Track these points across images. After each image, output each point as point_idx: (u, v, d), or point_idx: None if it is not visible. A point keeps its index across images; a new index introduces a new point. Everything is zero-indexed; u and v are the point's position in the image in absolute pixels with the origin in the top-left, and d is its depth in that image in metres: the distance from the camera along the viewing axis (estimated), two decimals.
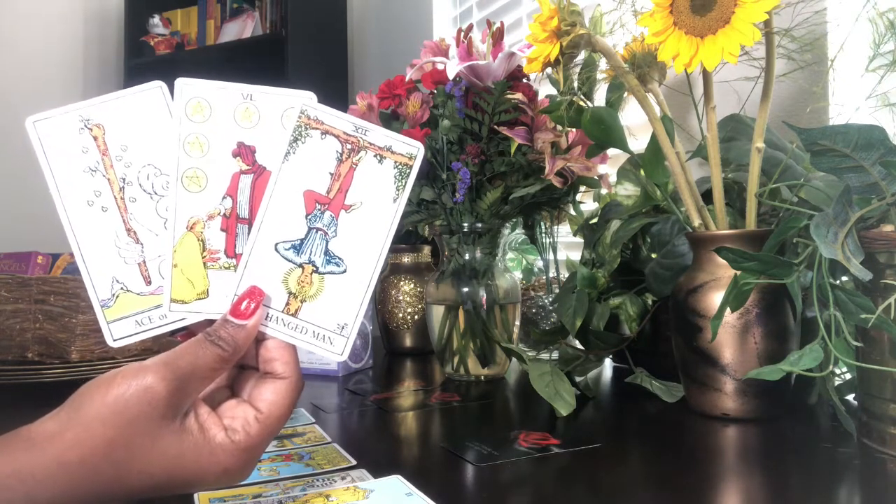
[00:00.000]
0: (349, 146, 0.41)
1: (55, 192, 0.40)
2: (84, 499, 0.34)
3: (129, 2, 2.47)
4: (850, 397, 0.60)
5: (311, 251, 0.41)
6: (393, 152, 0.41)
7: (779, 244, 0.57)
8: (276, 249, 0.40)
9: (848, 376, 0.61)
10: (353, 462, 0.50)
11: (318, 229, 0.41)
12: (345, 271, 0.41)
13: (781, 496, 0.44)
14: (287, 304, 0.40)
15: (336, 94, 2.24)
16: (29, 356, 0.77)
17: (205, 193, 0.41)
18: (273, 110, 0.41)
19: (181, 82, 0.41)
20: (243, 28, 2.37)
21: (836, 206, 0.50)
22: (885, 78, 0.63)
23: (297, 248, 0.41)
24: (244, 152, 0.41)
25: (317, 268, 0.41)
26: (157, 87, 0.41)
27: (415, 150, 0.41)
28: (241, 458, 0.36)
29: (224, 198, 0.41)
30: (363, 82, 2.28)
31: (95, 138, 0.40)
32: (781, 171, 0.63)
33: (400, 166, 0.41)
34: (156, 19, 2.51)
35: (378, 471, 0.47)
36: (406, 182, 0.41)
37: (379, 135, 0.41)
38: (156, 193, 0.41)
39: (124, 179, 0.41)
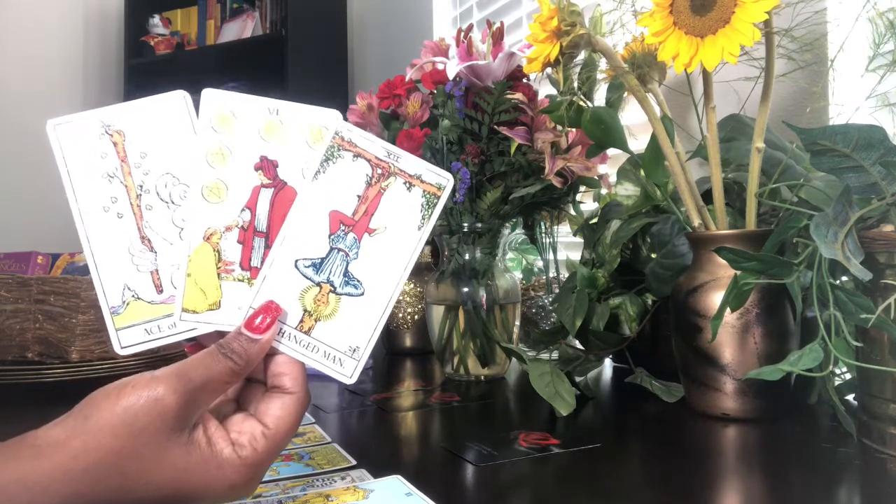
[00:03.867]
0: (379, 171, 0.41)
1: (71, 197, 0.40)
2: None
3: (129, 2, 2.47)
4: (850, 397, 0.60)
5: (330, 271, 0.40)
6: (422, 181, 0.41)
7: (779, 244, 0.57)
8: (296, 266, 0.40)
9: (848, 376, 0.61)
10: (353, 462, 0.50)
11: (339, 250, 0.41)
12: (362, 294, 0.40)
13: (781, 496, 0.44)
14: (301, 321, 0.40)
15: (336, 94, 2.24)
16: (29, 356, 0.77)
17: (224, 205, 0.41)
18: (298, 126, 0.41)
19: (208, 93, 0.41)
20: (243, 28, 2.37)
21: (836, 206, 0.50)
22: (885, 78, 0.63)
23: (317, 266, 0.40)
24: (266, 166, 0.41)
25: (334, 288, 0.40)
26: (179, 95, 0.41)
27: (444, 180, 0.41)
28: (248, 473, 0.36)
29: (243, 210, 0.41)
30: (363, 82, 2.28)
31: (115, 144, 0.40)
32: (781, 171, 0.63)
33: (428, 195, 0.41)
34: (156, 19, 2.51)
35: (378, 471, 0.47)
36: (433, 212, 0.41)
37: (410, 162, 0.41)
38: (172, 202, 0.41)
39: (142, 187, 0.41)
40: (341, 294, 0.40)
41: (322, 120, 0.41)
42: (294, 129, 0.41)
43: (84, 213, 0.40)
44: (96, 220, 0.40)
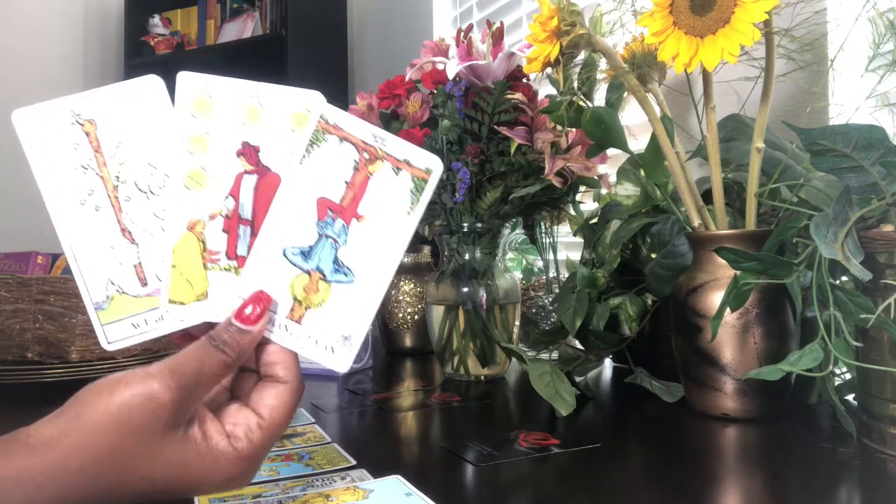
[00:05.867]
0: (366, 155, 0.40)
1: (44, 190, 0.38)
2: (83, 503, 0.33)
3: (129, 2, 2.47)
4: (850, 397, 0.60)
5: (319, 258, 0.39)
6: (410, 165, 0.40)
7: (779, 244, 0.57)
8: (285, 254, 0.39)
9: (848, 376, 0.61)
10: (353, 462, 0.50)
11: (328, 237, 0.40)
12: (352, 281, 0.40)
13: (781, 496, 0.44)
14: (291, 310, 0.39)
15: (336, 94, 2.23)
16: (29, 356, 0.77)
17: (206, 193, 0.39)
18: (280, 109, 0.40)
19: (183, 76, 0.40)
20: (243, 28, 2.37)
21: (836, 206, 0.50)
22: (885, 78, 0.63)
23: (306, 254, 0.40)
24: (248, 152, 0.40)
25: (324, 276, 0.40)
26: (152, 80, 0.40)
27: (433, 164, 0.40)
28: (244, 465, 0.36)
29: (226, 198, 0.40)
30: (363, 82, 2.28)
31: (87, 133, 0.39)
32: (781, 171, 0.63)
33: (417, 180, 0.40)
34: (156, 19, 2.51)
35: (378, 471, 0.47)
36: (421, 196, 0.40)
37: (398, 146, 0.40)
38: (152, 192, 0.39)
39: (118, 177, 0.39)
40: (331, 281, 0.40)
41: (305, 103, 0.40)
42: (276, 112, 0.40)
43: (59, 208, 0.38)
44: (73, 215, 0.39)
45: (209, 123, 0.39)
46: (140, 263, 0.39)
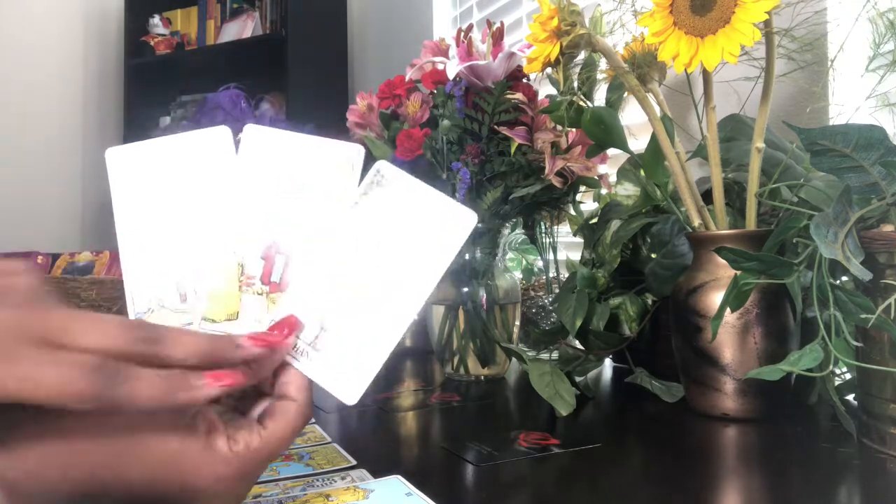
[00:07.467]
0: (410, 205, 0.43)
1: (117, 214, 0.43)
2: (79, 478, 0.33)
3: (129, 2, 2.47)
4: (850, 397, 0.60)
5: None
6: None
7: (779, 244, 0.57)
8: (321, 284, 0.42)
9: (848, 376, 0.61)
10: (353, 462, 0.50)
11: (362, 273, 0.42)
12: (378, 318, 0.42)
13: (781, 496, 0.44)
14: (316, 337, 0.42)
15: (336, 94, 2.23)
16: None
17: (253, 223, 0.43)
18: (324, 158, 0.44)
19: (250, 128, 0.45)
20: (243, 28, 2.37)
21: (836, 206, 0.50)
22: (885, 78, 0.63)
23: (341, 286, 0.42)
24: (293, 192, 0.44)
25: (352, 309, 0.42)
26: (222, 130, 0.45)
27: (468, 218, 0.44)
28: (236, 468, 0.36)
29: (269, 230, 0.43)
30: (363, 82, 2.28)
31: (162, 171, 0.44)
32: (781, 171, 0.63)
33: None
34: (156, 19, 2.51)
35: (378, 471, 0.47)
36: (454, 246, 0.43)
37: (438, 199, 0.44)
38: (206, 221, 0.43)
39: (180, 208, 0.43)
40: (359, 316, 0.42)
41: (346, 153, 0.44)
42: (320, 160, 0.44)
43: (126, 231, 0.43)
44: (137, 237, 0.43)
45: (264, 167, 0.44)
46: (184, 280, 0.43)
